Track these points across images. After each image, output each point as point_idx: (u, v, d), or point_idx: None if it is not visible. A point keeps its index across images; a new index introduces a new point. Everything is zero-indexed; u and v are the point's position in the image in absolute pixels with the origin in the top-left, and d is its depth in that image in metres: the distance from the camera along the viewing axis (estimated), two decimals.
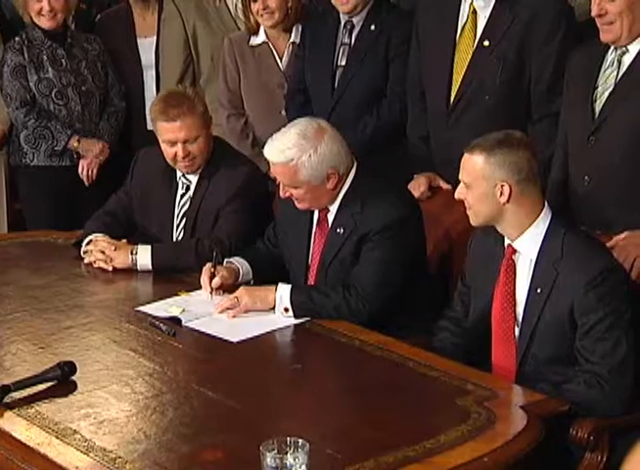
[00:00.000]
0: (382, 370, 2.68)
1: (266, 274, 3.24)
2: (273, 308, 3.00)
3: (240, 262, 3.26)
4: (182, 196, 3.54)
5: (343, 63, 3.87)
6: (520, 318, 2.70)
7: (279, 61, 4.16)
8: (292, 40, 4.13)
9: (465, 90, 3.48)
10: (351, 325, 2.91)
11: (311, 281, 3.16)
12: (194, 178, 3.52)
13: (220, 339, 2.85)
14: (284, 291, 2.98)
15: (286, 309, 2.97)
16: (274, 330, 2.91)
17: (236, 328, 2.91)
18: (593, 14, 3.01)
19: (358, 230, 3.02)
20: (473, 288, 2.86)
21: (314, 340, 2.91)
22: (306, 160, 2.96)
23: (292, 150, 2.97)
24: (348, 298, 2.96)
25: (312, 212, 3.15)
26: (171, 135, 3.38)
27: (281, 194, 3.09)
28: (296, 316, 2.97)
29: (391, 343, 2.79)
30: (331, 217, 3.10)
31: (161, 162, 3.50)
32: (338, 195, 3.06)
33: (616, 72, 3.04)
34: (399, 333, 2.87)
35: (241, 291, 3.03)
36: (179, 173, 3.53)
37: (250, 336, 2.85)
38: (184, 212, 3.53)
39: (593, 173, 3.05)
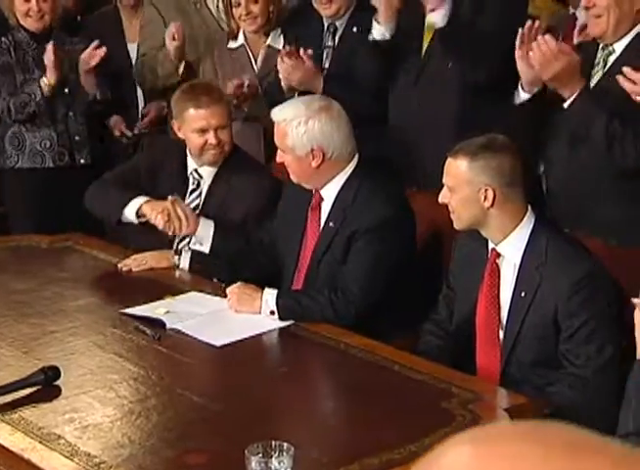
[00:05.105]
0: (367, 373, 2.67)
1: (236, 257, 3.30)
2: (259, 313, 2.98)
3: (207, 223, 3.32)
4: (192, 192, 3.52)
5: (327, 65, 3.87)
6: (504, 321, 2.70)
7: (254, 63, 4.17)
8: (267, 43, 4.14)
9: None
10: (337, 328, 2.90)
11: (301, 275, 3.15)
12: (206, 174, 3.49)
13: (205, 342, 2.84)
14: (270, 295, 2.98)
15: (272, 313, 2.96)
16: (259, 333, 2.90)
17: (220, 331, 2.89)
18: (582, 4, 3.05)
19: (348, 225, 3.03)
20: (457, 291, 2.86)
21: (299, 343, 2.90)
22: (295, 125, 3.02)
23: (288, 111, 3.06)
24: (335, 300, 2.95)
25: (309, 205, 3.15)
26: (204, 122, 3.38)
27: (277, 158, 3.14)
28: (281, 319, 2.96)
29: (377, 346, 2.78)
30: (325, 212, 3.12)
31: (174, 152, 3.50)
32: (329, 183, 3.06)
33: (601, 73, 3.06)
34: (386, 335, 2.86)
35: (232, 289, 3.02)
36: (190, 168, 3.51)
37: (234, 340, 2.84)
38: (193, 209, 3.46)
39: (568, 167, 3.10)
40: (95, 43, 4.13)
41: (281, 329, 2.94)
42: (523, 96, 3.09)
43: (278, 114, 3.09)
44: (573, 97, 2.96)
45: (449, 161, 2.70)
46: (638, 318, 2.15)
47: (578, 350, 2.57)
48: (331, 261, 3.06)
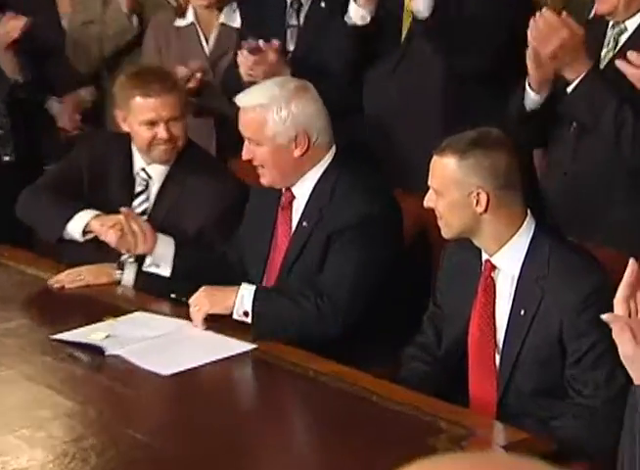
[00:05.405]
0: (340, 405, 2.49)
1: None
2: (231, 314, 2.77)
3: (166, 241, 3.07)
4: (138, 195, 3.24)
5: (291, 48, 3.65)
6: (500, 344, 2.52)
7: (205, 44, 3.93)
8: (221, 21, 3.92)
9: None
10: (304, 353, 2.70)
11: (270, 281, 2.94)
12: (155, 173, 3.21)
13: (150, 371, 2.63)
14: (247, 291, 2.77)
15: (245, 313, 2.76)
16: (214, 361, 2.69)
17: (169, 359, 2.69)
18: None
19: (324, 225, 2.82)
20: (446, 310, 2.66)
21: (262, 370, 2.72)
22: (275, 110, 2.80)
23: (260, 94, 2.85)
24: (321, 305, 2.73)
25: (277, 205, 2.93)
26: (153, 114, 3.11)
27: (243, 155, 2.89)
28: (253, 323, 2.74)
29: (351, 373, 2.59)
30: (298, 211, 2.90)
31: (117, 147, 3.22)
32: (304, 176, 2.85)
33: (612, 53, 2.91)
34: (362, 362, 2.64)
35: (198, 294, 2.80)
36: (137, 166, 3.23)
37: (185, 368, 2.64)
38: (140, 214, 3.19)
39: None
40: (10, 13, 3.76)
41: (240, 355, 2.73)
42: (533, 97, 2.88)
43: (246, 99, 2.84)
44: (578, 80, 2.79)
45: (435, 159, 2.50)
46: (617, 337, 1.87)
47: (585, 376, 2.39)
48: (304, 268, 2.85)
